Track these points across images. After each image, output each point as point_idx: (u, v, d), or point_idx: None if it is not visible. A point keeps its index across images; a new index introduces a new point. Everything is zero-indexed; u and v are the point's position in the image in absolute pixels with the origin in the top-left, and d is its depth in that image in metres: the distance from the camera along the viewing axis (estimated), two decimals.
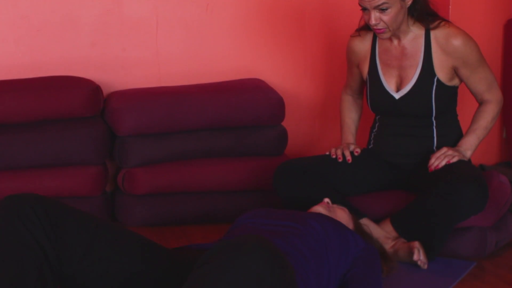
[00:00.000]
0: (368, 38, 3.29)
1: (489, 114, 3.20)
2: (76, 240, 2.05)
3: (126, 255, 2.13)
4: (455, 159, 3.06)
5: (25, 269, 1.95)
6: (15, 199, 2.05)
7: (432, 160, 3.09)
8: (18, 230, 1.98)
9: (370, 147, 3.39)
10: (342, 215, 2.81)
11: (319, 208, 2.78)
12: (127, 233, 2.19)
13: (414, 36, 3.17)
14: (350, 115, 3.51)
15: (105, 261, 2.09)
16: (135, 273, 2.13)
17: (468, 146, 3.17)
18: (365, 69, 3.31)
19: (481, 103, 3.24)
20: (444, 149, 3.11)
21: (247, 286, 1.76)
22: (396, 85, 3.21)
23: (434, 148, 3.22)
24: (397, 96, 3.19)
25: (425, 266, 2.98)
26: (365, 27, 3.26)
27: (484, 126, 3.20)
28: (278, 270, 1.83)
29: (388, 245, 3.06)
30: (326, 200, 2.88)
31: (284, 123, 3.81)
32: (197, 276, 1.80)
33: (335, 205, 2.88)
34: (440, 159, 3.07)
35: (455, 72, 3.16)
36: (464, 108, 3.51)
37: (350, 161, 3.24)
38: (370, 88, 3.28)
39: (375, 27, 3.07)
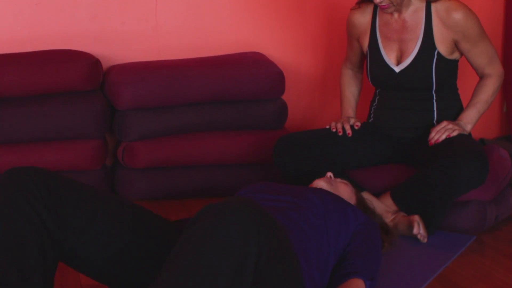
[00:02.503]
0: (369, 11, 3.27)
1: (490, 88, 3.20)
2: (77, 213, 2.06)
3: (127, 227, 2.13)
4: (455, 133, 3.06)
5: (26, 243, 1.96)
6: (16, 173, 2.05)
7: (432, 134, 3.09)
8: (20, 204, 1.99)
9: (370, 121, 3.39)
10: (344, 190, 2.81)
11: (321, 183, 2.78)
12: (128, 204, 2.19)
13: (414, 9, 3.16)
14: (350, 89, 3.51)
15: (106, 233, 2.09)
16: (135, 244, 2.13)
17: (469, 120, 3.17)
18: (365, 42, 3.30)
19: (481, 77, 3.23)
20: (444, 123, 3.11)
21: (233, 244, 1.78)
22: (397, 59, 3.20)
23: (434, 121, 3.22)
24: (397, 69, 3.19)
25: (425, 240, 2.99)
26: None
27: (485, 100, 3.20)
28: (265, 229, 1.85)
29: (388, 218, 3.06)
30: (329, 174, 2.88)
31: (284, 97, 3.81)
32: (185, 238, 1.83)
33: (337, 179, 2.87)
34: (440, 132, 3.07)
35: (455, 45, 3.15)
36: (464, 82, 3.50)
37: (350, 135, 3.24)
38: (370, 62, 3.27)
39: (379, 4, 3.06)
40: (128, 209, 2.17)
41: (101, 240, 2.09)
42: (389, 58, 3.21)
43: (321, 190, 2.62)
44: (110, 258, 2.11)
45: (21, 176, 2.03)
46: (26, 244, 1.95)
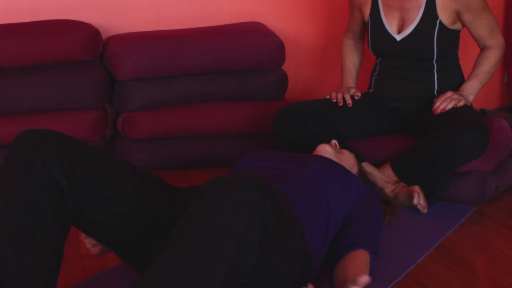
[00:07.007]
0: None
1: (492, 60, 3.19)
2: (93, 178, 2.05)
3: (141, 193, 2.14)
4: (461, 103, 3.05)
5: (42, 208, 1.95)
6: (35, 135, 2.02)
7: (438, 103, 3.07)
8: (37, 167, 1.97)
9: (370, 91, 3.38)
10: (348, 158, 2.81)
11: (326, 147, 2.77)
12: (141, 171, 2.20)
13: None
14: (351, 59, 3.49)
15: (120, 199, 2.10)
16: (148, 209, 2.14)
17: (471, 90, 3.16)
18: (367, 11, 3.28)
19: (483, 48, 3.23)
20: (449, 93, 3.10)
21: (237, 219, 1.79)
22: (398, 27, 3.19)
23: (435, 92, 3.21)
24: (398, 37, 3.17)
25: (425, 210, 2.99)
26: None
27: (487, 71, 3.19)
28: (270, 202, 1.86)
29: (388, 189, 3.07)
30: (334, 141, 2.87)
31: (284, 67, 3.79)
32: (190, 212, 1.84)
33: (342, 149, 2.87)
34: (447, 102, 3.06)
35: (458, 16, 3.14)
36: (466, 53, 3.49)
37: (350, 105, 3.24)
38: (372, 30, 3.26)
39: None
40: (142, 176, 2.19)
41: (114, 205, 2.09)
42: (390, 26, 3.19)
43: (322, 158, 2.62)
44: (122, 221, 2.12)
45: (40, 139, 2.01)
46: (42, 210, 1.95)
